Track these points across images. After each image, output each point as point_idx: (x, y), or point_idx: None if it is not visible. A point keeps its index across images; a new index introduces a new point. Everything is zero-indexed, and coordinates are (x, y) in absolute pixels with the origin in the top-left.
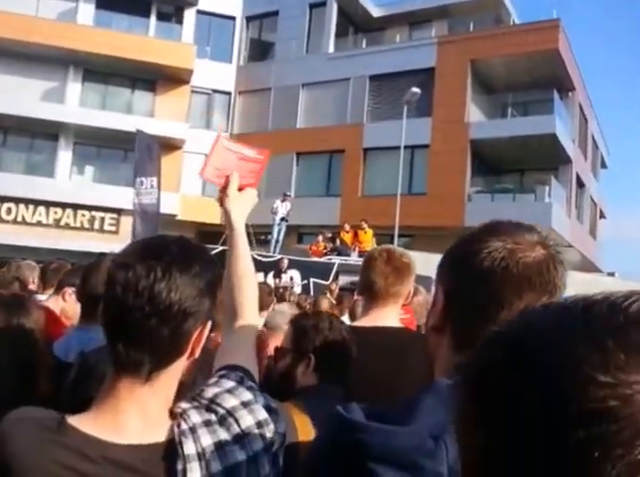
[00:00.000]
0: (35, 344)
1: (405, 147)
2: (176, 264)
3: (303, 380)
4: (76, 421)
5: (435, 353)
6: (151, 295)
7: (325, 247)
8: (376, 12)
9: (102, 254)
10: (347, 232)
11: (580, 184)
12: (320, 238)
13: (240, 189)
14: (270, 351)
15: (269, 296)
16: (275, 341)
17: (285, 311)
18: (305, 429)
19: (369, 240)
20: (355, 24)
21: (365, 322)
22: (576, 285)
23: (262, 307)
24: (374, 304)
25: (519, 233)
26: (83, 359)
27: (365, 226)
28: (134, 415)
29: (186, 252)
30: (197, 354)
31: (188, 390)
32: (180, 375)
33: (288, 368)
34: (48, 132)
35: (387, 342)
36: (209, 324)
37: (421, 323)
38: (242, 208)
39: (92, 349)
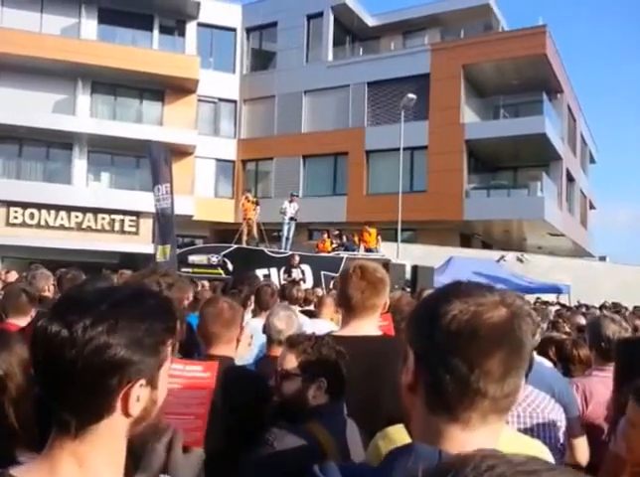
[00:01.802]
0: (17, 384)
1: (405, 149)
2: (98, 318)
3: (314, 401)
4: (18, 472)
5: (411, 413)
6: (68, 349)
7: (331, 243)
8: (371, 21)
9: (94, 277)
10: (353, 237)
11: (570, 179)
12: (325, 235)
13: (185, 448)
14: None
15: (272, 298)
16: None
17: (283, 329)
18: (330, 448)
19: (373, 239)
20: (351, 33)
21: (345, 332)
22: (573, 271)
23: (265, 308)
24: (352, 316)
25: (480, 293)
26: None
27: (369, 229)
28: (71, 470)
29: (117, 305)
30: (133, 412)
31: (142, 451)
32: (123, 433)
33: (300, 392)
34: (62, 142)
35: (367, 348)
36: (141, 381)
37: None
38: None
39: None
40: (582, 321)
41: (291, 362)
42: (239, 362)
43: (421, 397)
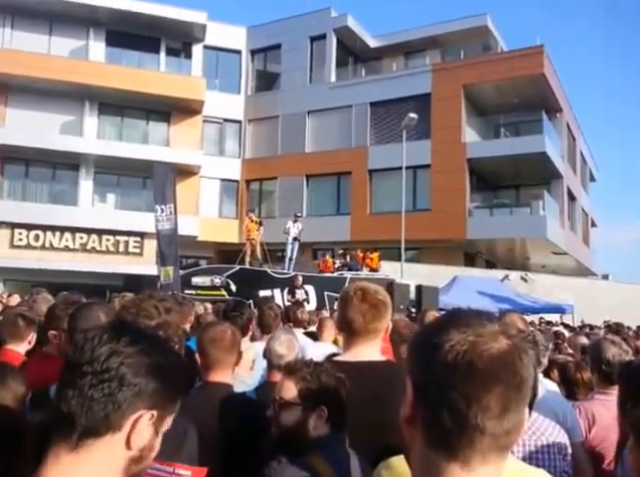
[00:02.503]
0: (10, 420)
1: (408, 168)
2: (127, 336)
3: (315, 432)
4: None
5: (410, 446)
6: (92, 355)
7: (334, 263)
8: (373, 43)
9: (90, 302)
10: (358, 256)
11: (572, 197)
12: (328, 256)
13: None
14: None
15: (275, 321)
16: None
17: (284, 354)
18: None
19: (376, 263)
20: (354, 54)
21: (346, 357)
22: (576, 289)
23: (267, 331)
24: (354, 341)
25: (480, 323)
26: None
27: (371, 255)
28: None
29: (146, 335)
30: (134, 443)
31: None
32: (119, 464)
33: (299, 422)
34: (68, 163)
35: (370, 375)
36: (149, 415)
37: None
38: None
39: None
40: (586, 342)
41: (290, 390)
42: (240, 385)
43: (420, 432)
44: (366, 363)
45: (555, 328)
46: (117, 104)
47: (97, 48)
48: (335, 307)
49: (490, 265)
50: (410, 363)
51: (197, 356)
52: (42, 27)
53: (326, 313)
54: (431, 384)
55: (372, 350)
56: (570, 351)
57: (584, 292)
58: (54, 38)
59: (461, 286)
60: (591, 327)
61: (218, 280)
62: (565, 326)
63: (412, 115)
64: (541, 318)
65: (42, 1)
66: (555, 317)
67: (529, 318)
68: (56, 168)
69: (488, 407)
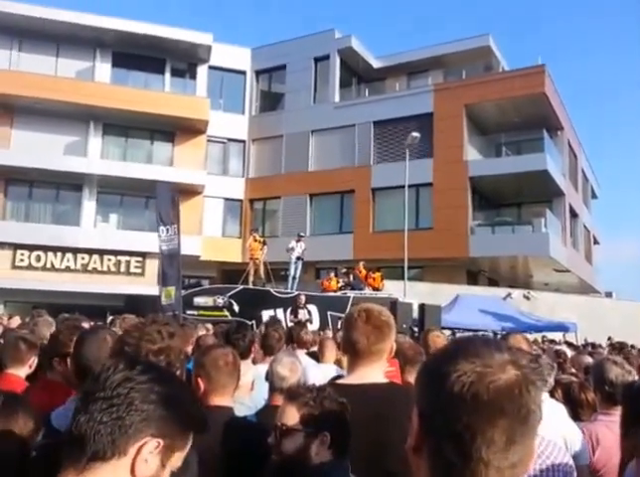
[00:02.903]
0: (16, 453)
1: (410, 186)
2: (141, 366)
3: (317, 458)
4: None
5: (416, 476)
6: (106, 382)
7: (337, 282)
8: (376, 63)
9: (95, 328)
10: (360, 271)
11: (574, 214)
12: (332, 274)
13: None
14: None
15: (278, 342)
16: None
17: (287, 377)
18: None
19: (378, 282)
20: (357, 75)
21: (351, 380)
22: (579, 307)
23: (270, 353)
24: (358, 363)
25: (489, 352)
26: None
27: (373, 275)
28: None
29: (161, 367)
30: (138, 471)
31: None
32: None
33: (301, 449)
34: (72, 183)
35: (374, 398)
36: (154, 442)
37: None
38: None
39: None
40: (590, 361)
41: (292, 416)
42: (240, 407)
43: (426, 462)
44: (369, 385)
45: (556, 347)
46: (122, 125)
47: (103, 69)
48: (338, 327)
49: (493, 283)
50: (418, 391)
51: (195, 378)
52: (49, 49)
53: (329, 333)
54: (438, 414)
55: (376, 372)
56: (574, 370)
57: (588, 310)
58: (61, 59)
59: (464, 305)
60: (594, 345)
61: (220, 300)
62: (569, 345)
63: (415, 134)
64: (544, 337)
65: (49, 23)
66: (558, 335)
67: (531, 337)
68: (59, 189)
69: (492, 441)
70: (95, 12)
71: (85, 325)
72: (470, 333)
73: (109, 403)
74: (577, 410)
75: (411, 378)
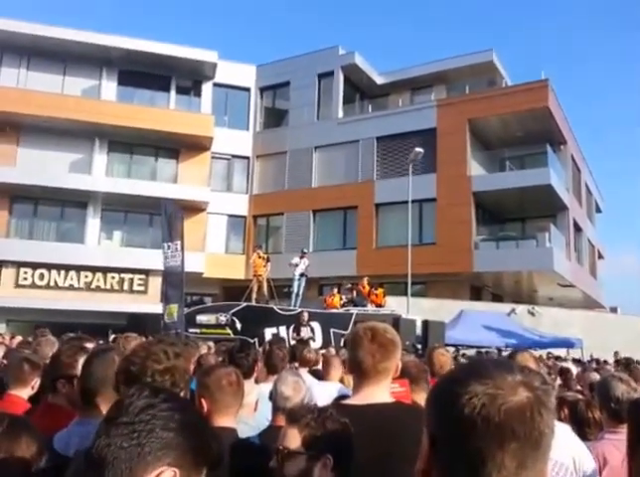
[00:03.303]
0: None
1: (414, 201)
2: (164, 394)
3: None
4: None
5: None
6: (129, 408)
7: (340, 299)
8: (379, 80)
9: (103, 349)
10: (363, 287)
11: (578, 228)
12: (335, 290)
13: None
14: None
15: (282, 361)
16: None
17: (290, 396)
18: None
19: (381, 296)
20: (361, 91)
21: (357, 400)
22: (584, 323)
23: (274, 372)
24: (364, 382)
25: (500, 374)
26: (80, 457)
27: (375, 291)
28: None
29: (184, 399)
30: None
31: None
32: None
33: (304, 472)
34: (77, 201)
35: (380, 418)
36: (171, 472)
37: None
38: None
39: (87, 447)
40: (597, 377)
41: (293, 438)
42: (243, 427)
43: None
44: (375, 405)
45: (561, 364)
46: (127, 142)
47: (109, 87)
48: (341, 344)
49: (497, 298)
50: (428, 414)
51: (199, 399)
52: (56, 67)
53: (332, 350)
54: (448, 437)
55: (382, 391)
56: (579, 387)
57: (593, 325)
58: (67, 78)
59: (468, 321)
60: (597, 362)
61: (223, 318)
62: (575, 361)
63: (418, 150)
64: (549, 353)
65: (57, 42)
66: (562, 351)
67: (536, 353)
68: (64, 206)
69: (503, 465)
70: (102, 31)
71: (89, 345)
72: (474, 350)
73: (131, 429)
74: (584, 429)
75: (417, 397)
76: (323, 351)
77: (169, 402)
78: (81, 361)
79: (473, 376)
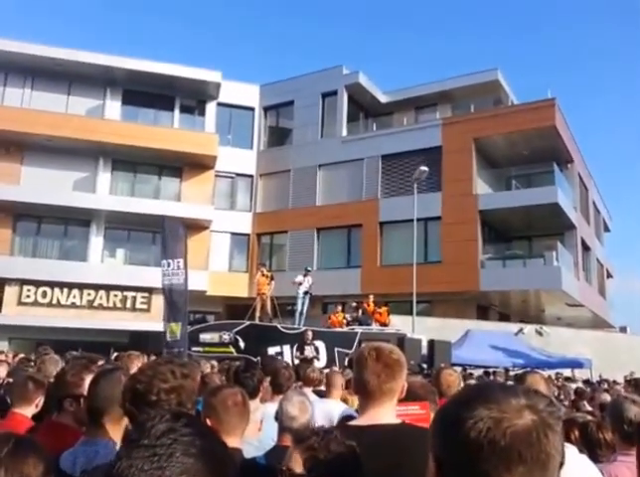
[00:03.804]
0: None
1: (419, 220)
2: (186, 419)
3: None
4: None
5: None
6: (150, 431)
7: (344, 317)
8: (383, 98)
9: (111, 369)
10: (368, 305)
11: (586, 247)
12: (339, 308)
13: None
14: None
15: (288, 381)
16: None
17: (296, 416)
18: None
19: (385, 315)
20: (365, 110)
21: (362, 421)
22: (593, 343)
23: (279, 390)
24: (370, 403)
25: (505, 397)
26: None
27: (379, 310)
28: None
29: (206, 425)
30: None
31: None
32: None
33: None
34: (80, 219)
35: (387, 439)
36: None
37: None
38: None
39: (93, 467)
40: (607, 398)
41: (297, 461)
42: (248, 447)
43: None
44: (377, 426)
45: (574, 385)
46: (131, 161)
47: (114, 106)
48: (345, 363)
49: (503, 318)
50: (434, 438)
51: (204, 419)
52: (61, 87)
53: (337, 369)
54: (454, 461)
55: (387, 412)
56: (589, 408)
57: (602, 345)
58: (72, 97)
59: (474, 340)
60: (607, 382)
61: (226, 337)
62: (585, 382)
63: (424, 168)
64: (557, 373)
65: (62, 63)
66: (569, 371)
67: (544, 373)
68: (67, 224)
69: None
70: (106, 51)
71: (96, 364)
72: (481, 370)
73: (152, 452)
74: (596, 451)
75: None
76: (327, 370)
77: (190, 427)
78: (88, 379)
79: (478, 399)
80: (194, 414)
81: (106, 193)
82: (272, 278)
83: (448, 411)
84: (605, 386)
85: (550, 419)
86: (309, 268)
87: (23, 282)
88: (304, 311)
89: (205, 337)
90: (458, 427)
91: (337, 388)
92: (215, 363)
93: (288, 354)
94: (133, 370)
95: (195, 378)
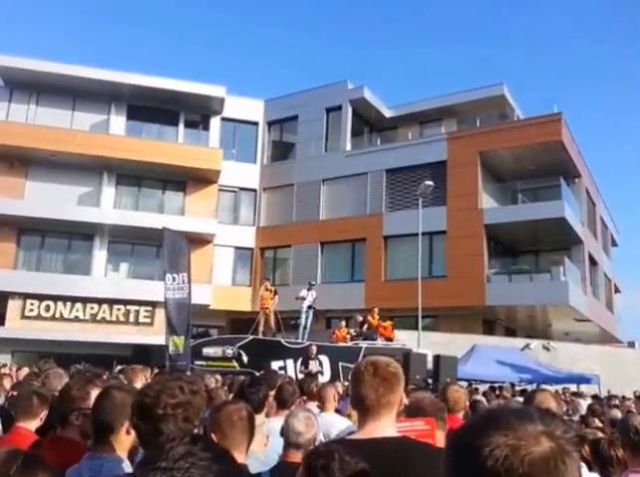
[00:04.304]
0: None
1: (424, 234)
2: (204, 443)
3: None
4: None
5: None
6: (169, 453)
7: (348, 332)
8: (388, 113)
9: (118, 384)
10: (373, 317)
11: (593, 262)
12: (343, 323)
13: None
14: None
15: (293, 396)
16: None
17: (302, 432)
18: None
19: (389, 329)
20: (369, 124)
21: (360, 435)
22: (601, 358)
23: (284, 405)
24: (368, 417)
25: (521, 424)
26: None
27: (383, 323)
28: None
29: (223, 449)
30: None
31: None
32: None
33: None
34: (84, 233)
35: (385, 452)
36: None
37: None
38: None
39: None
40: (618, 414)
41: None
42: (253, 462)
43: None
44: (375, 440)
45: (584, 401)
46: (135, 175)
47: (118, 121)
48: (349, 378)
49: (510, 333)
50: (448, 466)
51: (210, 435)
52: (66, 103)
53: (339, 385)
54: None
55: (386, 426)
56: (599, 424)
57: (610, 361)
58: (76, 113)
59: (480, 355)
60: (617, 398)
61: (229, 351)
62: (594, 398)
63: (429, 183)
64: (564, 389)
65: (66, 79)
66: (580, 387)
67: (552, 389)
68: (71, 238)
69: None
70: (111, 67)
71: (100, 379)
72: (487, 385)
73: (169, 475)
74: (608, 468)
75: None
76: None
77: (207, 452)
78: (94, 393)
79: (493, 426)
80: (195, 430)
81: (110, 207)
82: (276, 293)
83: (462, 439)
84: (616, 402)
85: (567, 446)
86: (313, 283)
87: (26, 296)
88: (308, 325)
89: (208, 351)
90: (474, 455)
91: (330, 401)
92: (219, 377)
93: (292, 368)
94: (137, 383)
95: (203, 394)
